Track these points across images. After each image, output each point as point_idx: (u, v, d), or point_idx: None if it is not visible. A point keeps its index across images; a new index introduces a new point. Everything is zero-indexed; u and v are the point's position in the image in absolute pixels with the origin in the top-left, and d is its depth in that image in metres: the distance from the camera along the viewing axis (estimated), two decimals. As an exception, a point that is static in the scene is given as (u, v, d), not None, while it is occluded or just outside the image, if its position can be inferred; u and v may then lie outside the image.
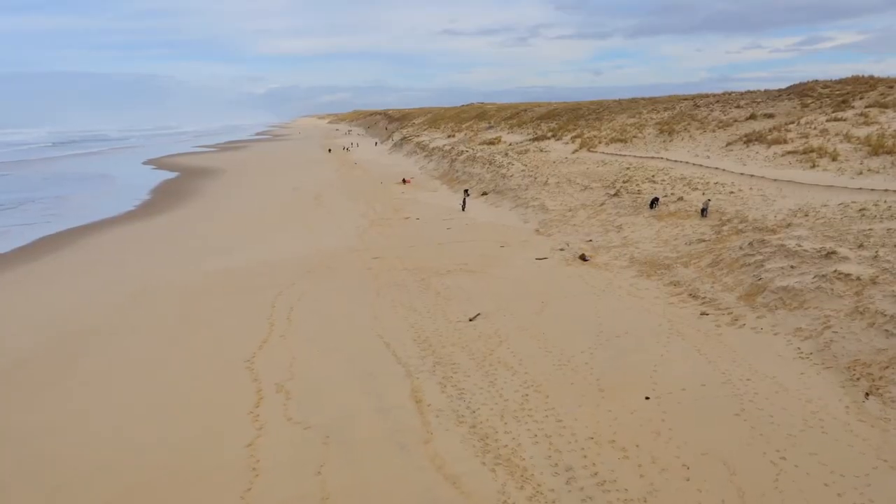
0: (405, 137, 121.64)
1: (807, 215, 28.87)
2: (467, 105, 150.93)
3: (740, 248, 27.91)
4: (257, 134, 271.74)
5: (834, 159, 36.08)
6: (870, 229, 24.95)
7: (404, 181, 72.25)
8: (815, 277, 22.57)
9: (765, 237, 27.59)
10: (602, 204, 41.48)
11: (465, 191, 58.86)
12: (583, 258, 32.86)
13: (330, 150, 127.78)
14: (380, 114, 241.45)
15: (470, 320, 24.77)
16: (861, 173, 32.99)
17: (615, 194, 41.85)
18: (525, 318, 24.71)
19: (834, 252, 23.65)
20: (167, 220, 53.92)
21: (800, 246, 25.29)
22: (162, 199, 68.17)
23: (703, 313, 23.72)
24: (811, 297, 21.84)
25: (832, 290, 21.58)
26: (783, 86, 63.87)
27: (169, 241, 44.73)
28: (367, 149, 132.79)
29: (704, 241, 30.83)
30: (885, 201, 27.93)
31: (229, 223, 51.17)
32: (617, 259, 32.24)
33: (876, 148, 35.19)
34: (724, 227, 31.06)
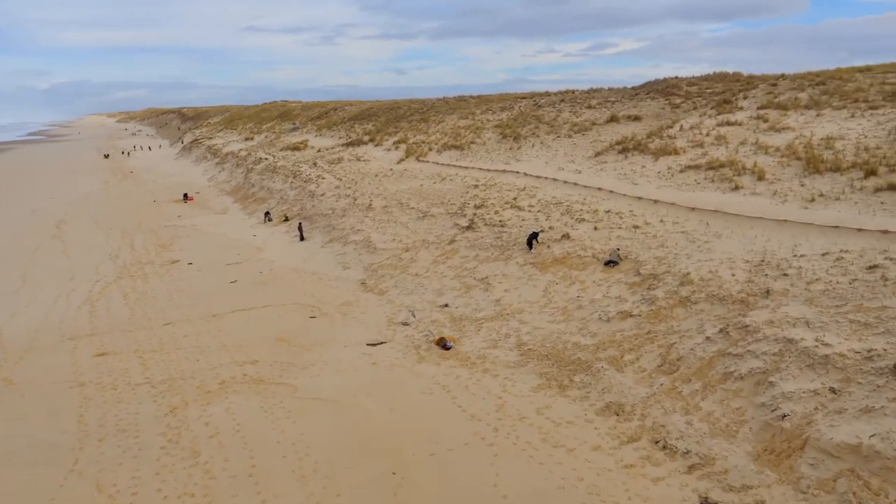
0: (196, 140, 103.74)
1: (786, 274, 18.62)
2: (269, 103, 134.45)
3: (706, 336, 17.10)
4: (30, 134, 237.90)
5: (761, 178, 26.75)
6: (930, 312, 14.84)
7: (186, 198, 56.67)
8: (910, 428, 11.93)
9: (742, 318, 16.95)
10: (452, 241, 29.60)
11: (267, 213, 44.88)
12: (442, 344, 20.68)
13: (107, 156, 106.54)
14: (173, 112, 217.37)
15: (246, 556, 11.72)
16: (813, 200, 23.65)
17: (469, 227, 30.14)
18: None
19: (909, 365, 13.26)
20: None
21: (824, 342, 14.78)
22: None
23: (704, 500, 12.37)
24: (927, 478, 11.13)
25: (968, 465, 11.00)
26: (572, 87, 59.93)
27: None
28: (150, 153, 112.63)
29: (631, 315, 19.75)
30: (899, 251, 18.23)
31: None
32: (496, 345, 20.39)
33: (813, 163, 26.22)
34: (657, 293, 20.12)
